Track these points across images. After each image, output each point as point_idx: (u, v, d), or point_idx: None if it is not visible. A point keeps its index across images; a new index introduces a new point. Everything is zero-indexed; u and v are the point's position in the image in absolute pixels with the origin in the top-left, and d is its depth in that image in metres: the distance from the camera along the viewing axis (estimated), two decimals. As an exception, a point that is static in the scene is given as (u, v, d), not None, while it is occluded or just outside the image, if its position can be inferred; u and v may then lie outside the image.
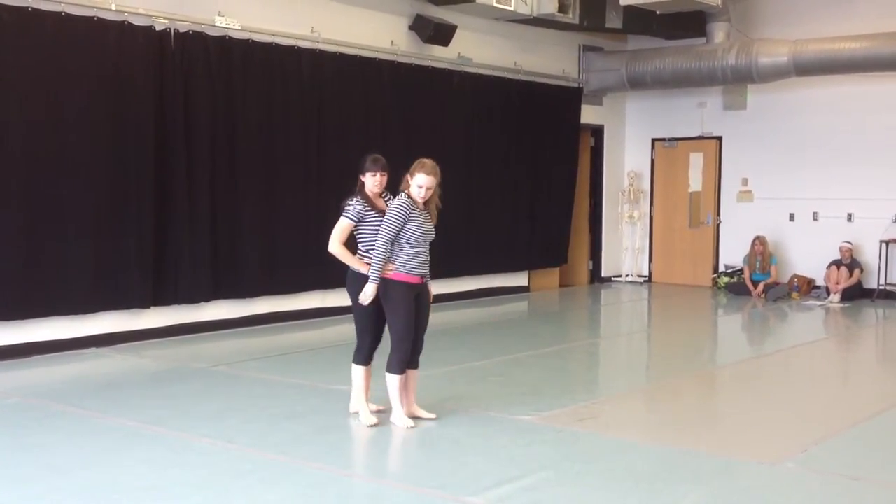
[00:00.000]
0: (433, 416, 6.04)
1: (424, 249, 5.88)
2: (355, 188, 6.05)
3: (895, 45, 11.19)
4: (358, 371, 6.03)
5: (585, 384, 7.72)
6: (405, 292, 5.81)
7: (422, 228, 5.83)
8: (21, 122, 7.79)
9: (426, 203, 5.89)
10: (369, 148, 10.36)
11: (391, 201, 5.91)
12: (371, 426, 5.86)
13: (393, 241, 5.78)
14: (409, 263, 5.80)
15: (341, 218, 5.99)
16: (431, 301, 6.09)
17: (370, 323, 5.98)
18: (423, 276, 5.90)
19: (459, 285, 11.92)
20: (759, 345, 10.20)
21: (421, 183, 5.79)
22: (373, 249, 5.83)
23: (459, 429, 5.84)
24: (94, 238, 8.25)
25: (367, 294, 5.77)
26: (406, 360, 5.88)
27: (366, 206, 5.97)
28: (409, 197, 5.82)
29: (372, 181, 6.00)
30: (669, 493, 4.71)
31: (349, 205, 5.99)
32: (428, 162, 5.87)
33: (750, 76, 12.27)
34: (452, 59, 11.56)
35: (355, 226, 5.98)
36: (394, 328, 5.85)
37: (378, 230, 5.81)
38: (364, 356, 6.03)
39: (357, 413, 6.03)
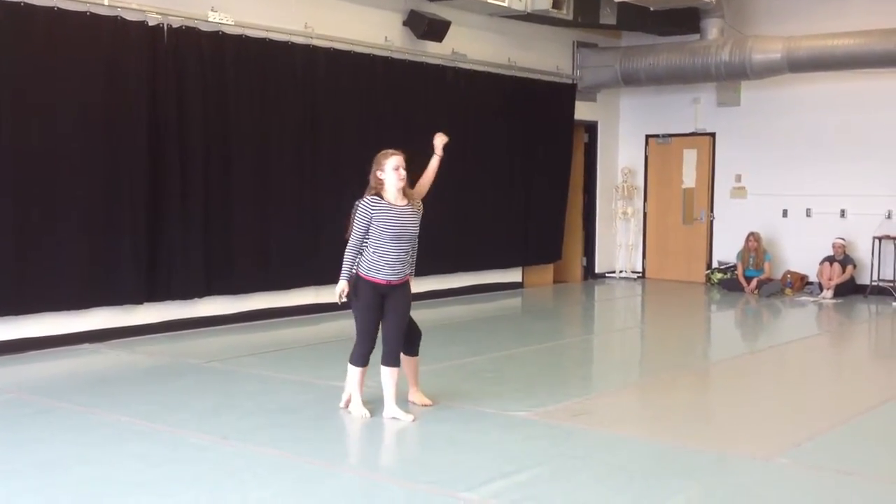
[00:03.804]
0: (429, 402, 6.15)
1: (397, 249, 5.75)
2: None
3: (888, 42, 11.21)
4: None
5: (579, 380, 7.73)
6: (368, 290, 5.80)
7: (392, 223, 5.72)
8: (13, 117, 7.75)
9: (407, 195, 5.79)
10: (363, 144, 10.51)
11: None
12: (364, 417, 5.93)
13: (360, 244, 5.77)
14: (374, 265, 5.76)
15: None
16: (408, 299, 5.96)
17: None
18: (390, 280, 5.81)
19: (453, 281, 11.92)
20: (752, 341, 10.21)
21: (396, 165, 5.73)
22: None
23: (453, 425, 5.84)
24: (87, 234, 8.23)
25: (338, 289, 5.83)
26: (364, 355, 5.91)
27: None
28: (378, 194, 5.73)
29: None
30: (663, 488, 4.72)
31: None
32: (387, 150, 5.81)
33: (744, 72, 12.27)
34: (446, 55, 11.55)
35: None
36: (356, 324, 5.94)
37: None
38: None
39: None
